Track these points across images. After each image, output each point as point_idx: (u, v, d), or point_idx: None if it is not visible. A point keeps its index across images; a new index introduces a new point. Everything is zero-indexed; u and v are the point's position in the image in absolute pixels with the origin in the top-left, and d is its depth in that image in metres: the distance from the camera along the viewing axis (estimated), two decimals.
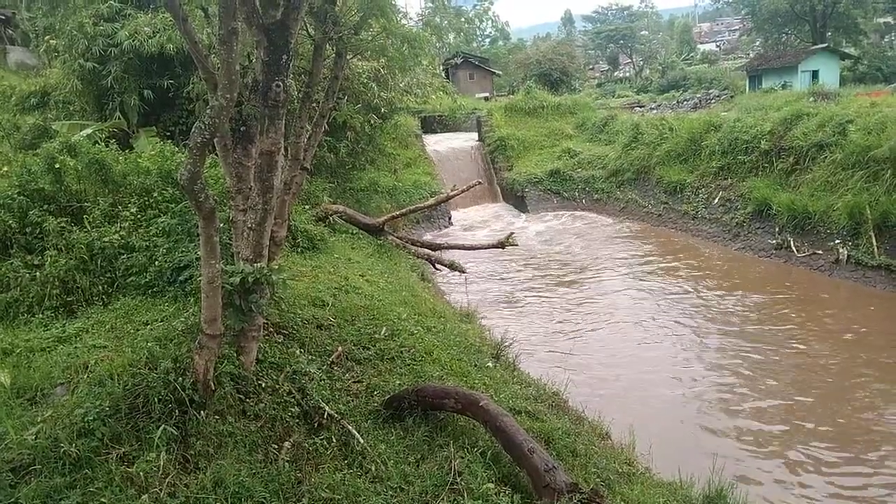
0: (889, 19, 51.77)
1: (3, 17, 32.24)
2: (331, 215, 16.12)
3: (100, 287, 8.47)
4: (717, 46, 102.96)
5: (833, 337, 12.76)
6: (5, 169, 10.74)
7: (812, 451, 9.01)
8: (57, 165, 9.60)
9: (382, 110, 19.26)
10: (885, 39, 55.59)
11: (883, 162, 16.38)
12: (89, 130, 13.90)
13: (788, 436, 9.44)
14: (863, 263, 15.83)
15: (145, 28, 14.90)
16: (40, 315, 7.88)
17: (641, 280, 17.59)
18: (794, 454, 8.95)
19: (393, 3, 8.10)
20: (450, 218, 26.92)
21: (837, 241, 16.69)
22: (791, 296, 15.29)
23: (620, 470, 7.09)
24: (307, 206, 15.31)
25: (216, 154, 6.32)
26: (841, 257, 16.34)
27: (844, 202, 16.72)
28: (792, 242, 17.92)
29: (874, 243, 15.74)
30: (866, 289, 15.29)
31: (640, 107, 42.92)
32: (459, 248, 17.76)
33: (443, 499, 5.24)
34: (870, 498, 8.01)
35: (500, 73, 62.54)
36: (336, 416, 6.17)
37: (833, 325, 13.32)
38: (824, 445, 9.13)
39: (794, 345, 12.49)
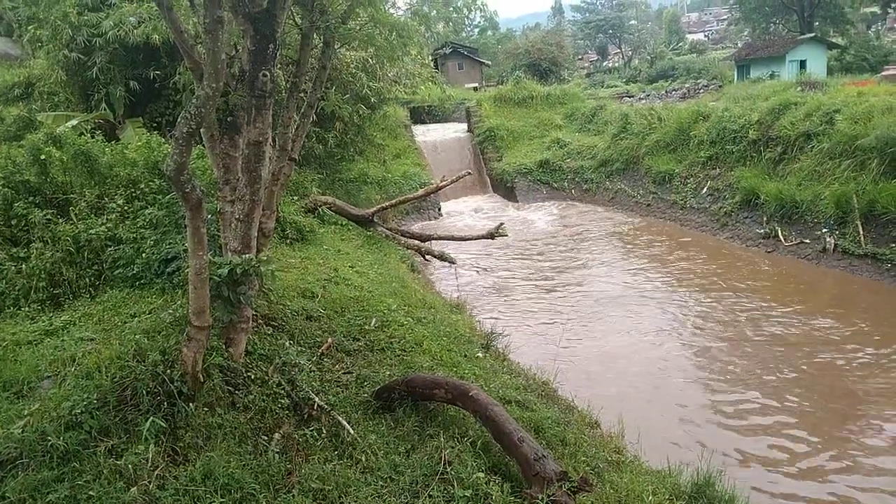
0: (875, 9, 51.94)
1: None
2: (320, 206, 16.08)
3: (87, 279, 8.45)
4: (706, 36, 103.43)
5: (824, 326, 12.85)
6: None
7: (800, 440, 9.09)
8: (42, 157, 9.54)
9: (371, 101, 19.13)
10: (872, 29, 55.87)
11: (870, 151, 16.45)
12: (75, 122, 13.77)
13: (777, 426, 9.51)
14: (849, 252, 15.94)
15: (130, 18, 14.69)
16: (27, 308, 7.85)
17: (630, 270, 17.65)
18: (783, 444, 9.02)
19: None
20: (439, 209, 26.89)
21: (824, 230, 16.79)
22: (780, 285, 15.38)
23: (610, 458, 7.12)
24: (296, 198, 15.26)
25: (203, 145, 6.28)
26: (828, 246, 16.44)
27: (831, 191, 16.82)
28: (780, 231, 18.03)
29: (861, 232, 15.84)
30: (853, 277, 15.42)
31: (630, 97, 42.87)
32: (449, 239, 17.75)
33: (433, 488, 5.25)
34: (859, 487, 8.09)
35: (490, 63, 62.47)
36: (326, 407, 6.18)
37: (824, 314, 13.40)
38: (813, 434, 9.20)
39: (784, 335, 12.57)
